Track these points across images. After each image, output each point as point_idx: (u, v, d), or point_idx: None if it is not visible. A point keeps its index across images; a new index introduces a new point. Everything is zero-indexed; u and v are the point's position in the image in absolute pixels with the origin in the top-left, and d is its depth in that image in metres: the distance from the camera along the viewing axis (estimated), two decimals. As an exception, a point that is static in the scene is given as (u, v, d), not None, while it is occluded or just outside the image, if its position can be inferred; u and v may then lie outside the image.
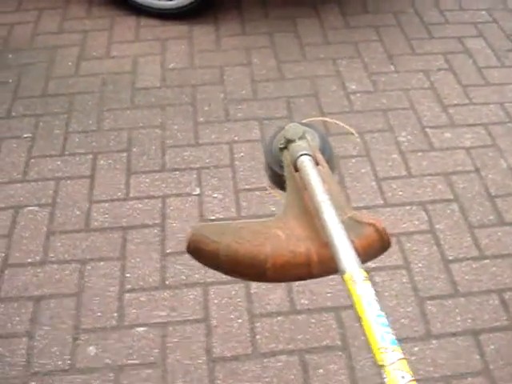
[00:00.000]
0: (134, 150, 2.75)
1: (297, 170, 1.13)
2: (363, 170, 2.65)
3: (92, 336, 2.10)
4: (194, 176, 2.64)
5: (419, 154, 2.74)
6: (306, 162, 1.12)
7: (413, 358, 2.04)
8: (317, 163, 1.13)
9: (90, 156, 2.72)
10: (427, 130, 2.86)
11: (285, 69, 3.19)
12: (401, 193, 2.56)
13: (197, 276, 2.25)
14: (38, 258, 2.32)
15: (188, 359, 2.04)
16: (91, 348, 2.07)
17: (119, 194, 2.55)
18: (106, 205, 2.51)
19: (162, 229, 2.42)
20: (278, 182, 1.25)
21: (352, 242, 0.93)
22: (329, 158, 1.21)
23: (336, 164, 1.37)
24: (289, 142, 1.19)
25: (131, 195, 2.55)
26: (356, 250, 0.91)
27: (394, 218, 2.46)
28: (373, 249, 1.03)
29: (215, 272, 1.10)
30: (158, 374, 2.00)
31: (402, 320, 2.14)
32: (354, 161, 2.69)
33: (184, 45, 3.35)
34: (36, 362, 2.03)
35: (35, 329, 2.11)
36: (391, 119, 2.90)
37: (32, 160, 2.71)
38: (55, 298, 2.20)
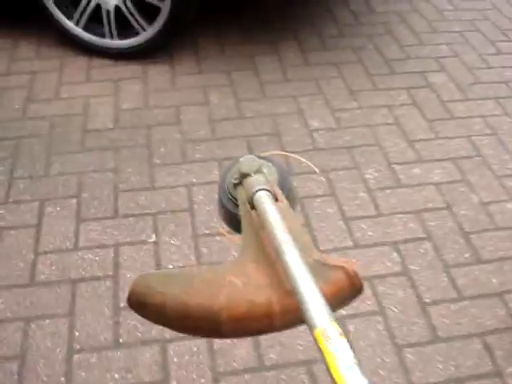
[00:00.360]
0: (84, 195, 2.55)
1: (253, 207, 1.01)
2: (330, 210, 2.50)
3: (36, 404, 1.87)
4: (150, 222, 2.45)
5: (387, 191, 2.61)
6: (263, 198, 0.99)
7: (393, 413, 1.87)
8: (276, 199, 1.01)
9: (37, 203, 2.51)
10: (394, 166, 2.74)
11: (244, 107, 3.06)
12: (370, 233, 2.42)
13: (154, 332, 2.04)
14: (-24, 317, 2.09)
15: (145, 427, 1.83)
16: (36, 418, 1.84)
17: (68, 243, 2.35)
18: (53, 256, 2.30)
19: (114, 281, 2.22)
20: (233, 222, 1.12)
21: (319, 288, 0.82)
22: (288, 193, 1.09)
23: (297, 200, 1.24)
24: (244, 176, 1.06)
25: (81, 244, 2.34)
26: (324, 296, 0.79)
27: (366, 259, 2.31)
28: (343, 295, 0.91)
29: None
30: None
31: (380, 371, 1.97)
32: (319, 200, 2.55)
33: (138, 85, 3.20)
34: None
35: (-29, 399, 1.88)
36: (356, 156, 2.78)
37: (-28, 210, 2.49)
38: (-5, 362, 1.97)
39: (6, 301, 2.14)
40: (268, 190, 1.02)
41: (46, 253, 2.31)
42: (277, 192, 1.03)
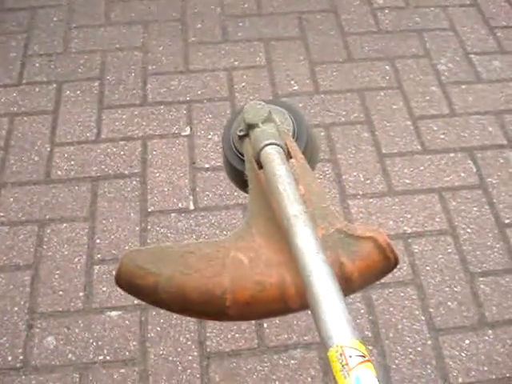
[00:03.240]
0: (108, 77, 2.20)
1: (261, 166, 0.86)
2: (395, 106, 2.12)
3: None
4: (184, 112, 2.11)
5: (463, 86, 2.20)
6: (271, 156, 0.84)
7: (462, 354, 1.59)
8: (289, 155, 0.88)
9: (54, 85, 2.17)
10: (472, 56, 2.31)
11: (295, -22, 2.60)
12: (442, 136, 2.05)
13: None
14: None
15: None
16: None
17: (88, 134, 2.03)
18: (72, 148, 1.99)
19: (142, 180, 1.92)
20: (240, 181, 0.98)
21: (342, 265, 0.73)
22: (306, 146, 0.96)
23: (318, 155, 1.08)
24: (250, 127, 0.92)
25: (103, 136, 2.02)
26: (350, 275, 0.73)
27: (435, 168, 1.96)
28: (373, 271, 0.77)
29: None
30: None
31: (449, 302, 1.68)
32: (382, 94, 2.16)
33: None
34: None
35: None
36: (428, 42, 2.34)
37: (-19, 90, 2.17)
38: None
39: (18, 200, 1.86)
40: (278, 145, 0.86)
41: (63, 145, 2.00)
42: (291, 147, 0.89)
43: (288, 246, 0.73)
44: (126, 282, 0.80)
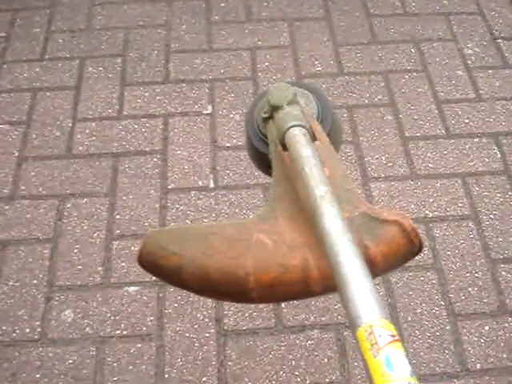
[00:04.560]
0: (131, 54, 2.19)
1: (286, 148, 0.86)
2: (420, 90, 2.09)
3: None
4: (206, 90, 2.10)
5: (490, 71, 2.16)
6: (297, 137, 0.84)
7: (481, 340, 1.57)
8: (314, 137, 0.87)
9: (77, 61, 2.17)
10: (499, 41, 2.27)
11: (321, -42, 2.57)
12: (467, 120, 2.02)
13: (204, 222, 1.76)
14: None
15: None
16: None
17: (110, 110, 2.02)
18: (94, 124, 1.99)
19: (162, 157, 1.91)
20: (263, 163, 0.98)
21: (366, 248, 0.72)
22: (331, 128, 0.95)
23: (341, 137, 1.07)
24: (274, 109, 0.92)
25: (125, 113, 2.02)
26: (374, 258, 0.72)
27: (459, 152, 1.93)
28: (397, 255, 0.76)
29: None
30: None
31: (469, 288, 1.66)
32: (407, 77, 2.13)
33: None
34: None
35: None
36: (454, 26, 2.30)
37: (4, 66, 2.17)
38: None
39: (39, 174, 1.87)
40: (303, 127, 0.85)
41: (85, 120, 2.00)
42: (315, 128, 0.89)
43: (313, 227, 0.72)
44: (149, 263, 0.80)
